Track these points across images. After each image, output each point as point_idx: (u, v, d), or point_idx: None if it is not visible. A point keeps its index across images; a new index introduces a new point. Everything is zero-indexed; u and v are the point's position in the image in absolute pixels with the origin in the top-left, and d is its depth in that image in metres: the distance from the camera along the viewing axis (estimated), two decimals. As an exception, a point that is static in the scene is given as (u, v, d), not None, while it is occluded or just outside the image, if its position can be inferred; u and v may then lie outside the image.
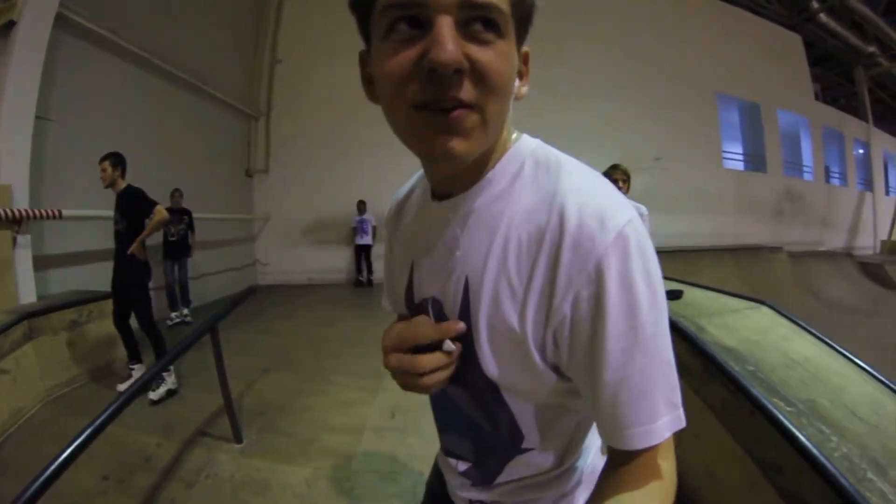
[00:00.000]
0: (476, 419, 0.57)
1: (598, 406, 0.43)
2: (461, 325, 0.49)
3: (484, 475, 0.61)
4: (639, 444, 0.42)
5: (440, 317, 0.52)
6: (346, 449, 2.36)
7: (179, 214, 4.90)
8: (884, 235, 12.64)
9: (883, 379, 1.64)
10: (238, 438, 2.44)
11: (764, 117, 10.17)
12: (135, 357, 3.07)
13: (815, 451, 1.13)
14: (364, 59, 0.49)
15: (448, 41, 0.35)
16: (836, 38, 11.85)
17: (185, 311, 5.03)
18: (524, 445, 0.55)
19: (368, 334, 4.41)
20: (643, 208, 2.69)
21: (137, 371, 3.01)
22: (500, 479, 0.59)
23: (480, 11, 0.37)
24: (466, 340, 0.49)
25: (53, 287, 3.61)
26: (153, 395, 2.86)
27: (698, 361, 1.74)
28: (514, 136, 0.51)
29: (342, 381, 3.19)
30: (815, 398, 1.47)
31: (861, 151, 13.67)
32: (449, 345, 0.49)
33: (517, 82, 0.45)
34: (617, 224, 0.40)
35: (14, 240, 3.14)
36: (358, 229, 7.26)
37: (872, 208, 13.15)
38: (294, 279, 7.57)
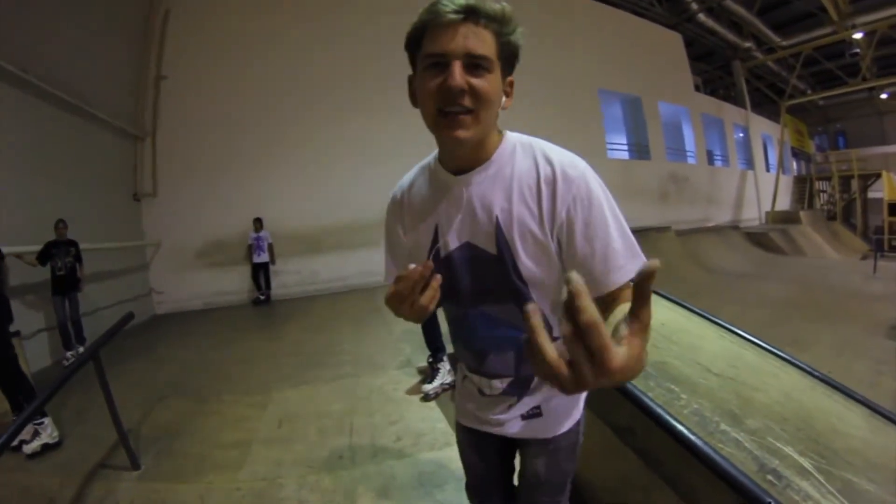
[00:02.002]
0: (516, 324, 0.81)
1: (594, 265, 0.71)
2: (430, 264, 0.65)
3: (522, 382, 0.88)
4: (626, 276, 0.70)
5: (475, 254, 0.80)
6: (235, 462, 2.44)
7: (66, 247, 4.54)
8: (767, 207, 14.40)
9: (740, 332, 1.75)
10: (135, 465, 2.45)
11: (646, 109, 11.23)
12: (18, 408, 2.75)
13: (659, 410, 1.22)
14: (411, 81, 0.77)
15: (457, 75, 0.67)
16: (715, 35, 13.42)
17: (81, 349, 4.63)
18: (555, 334, 0.79)
19: (262, 350, 4.49)
20: None
21: (44, 427, 2.72)
22: (535, 382, 0.87)
23: (477, 60, 0.67)
24: (506, 261, 0.77)
25: None
26: (27, 450, 2.63)
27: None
28: (504, 132, 0.81)
29: (233, 399, 3.21)
30: (666, 360, 1.54)
31: (741, 135, 15.52)
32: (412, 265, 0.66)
33: (504, 99, 0.75)
34: (581, 164, 0.75)
35: None
36: (254, 247, 7.00)
37: (755, 184, 14.96)
38: (191, 305, 7.13)
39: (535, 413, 0.89)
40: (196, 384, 3.65)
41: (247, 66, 7.22)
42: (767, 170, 16.30)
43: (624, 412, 1.48)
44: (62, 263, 4.48)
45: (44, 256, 4.37)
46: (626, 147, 11.66)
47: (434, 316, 3.05)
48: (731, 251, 9.24)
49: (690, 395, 1.35)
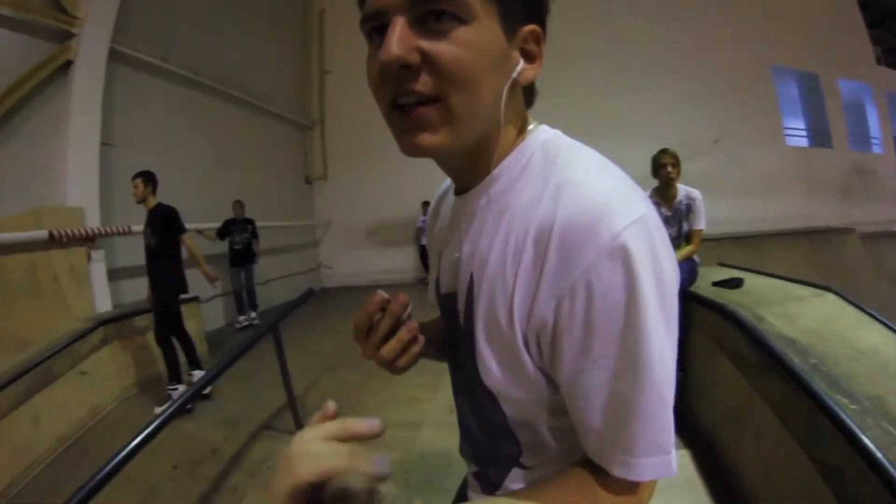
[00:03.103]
0: (476, 429, 0.56)
1: (580, 422, 0.42)
2: (382, 296, 0.50)
3: (485, 485, 0.59)
4: (616, 471, 0.40)
5: (454, 312, 0.52)
6: (404, 443, 2.43)
7: (243, 224, 5.21)
8: (976, 207, 11.20)
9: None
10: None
11: (824, 88, 9.36)
12: (176, 377, 3.11)
13: (879, 454, 1.03)
14: None
15: (391, 41, 0.37)
16: None
17: (253, 315, 5.36)
18: (522, 461, 0.53)
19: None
20: (697, 193, 2.59)
21: (177, 393, 3.02)
22: (500, 493, 0.57)
23: (429, 5, 0.37)
24: (470, 344, 0.48)
25: (127, 297, 3.95)
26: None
27: (756, 353, 1.63)
28: (531, 127, 0.48)
29: (404, 378, 3.22)
30: (883, 395, 1.33)
31: (936, 117, 12.23)
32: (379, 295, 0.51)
33: (521, 65, 0.43)
34: (614, 227, 0.35)
35: (89, 255, 3.47)
36: (423, 230, 7.28)
37: (958, 179, 11.71)
38: (359, 281, 7.73)
39: None
40: (364, 359, 3.80)
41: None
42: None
43: (833, 447, 1.24)
44: (239, 239, 5.13)
45: (222, 232, 5.04)
46: (804, 132, 9.76)
47: None
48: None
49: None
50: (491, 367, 0.46)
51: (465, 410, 0.58)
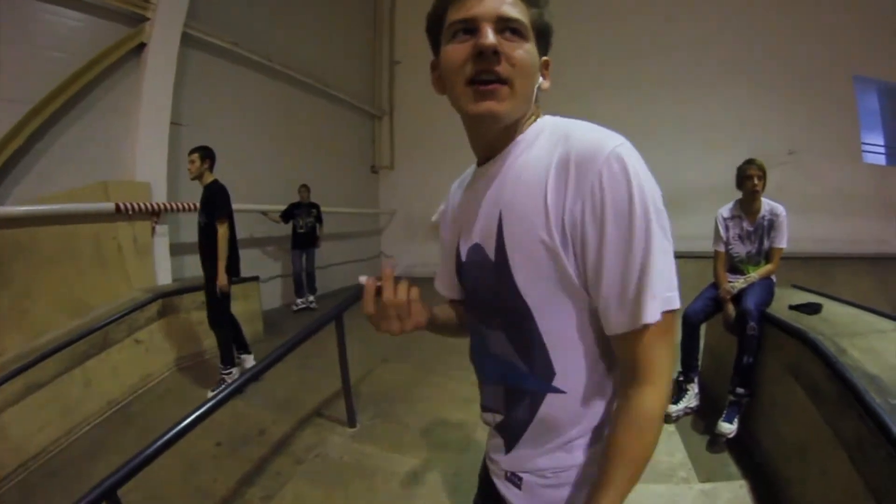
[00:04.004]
0: (509, 356, 0.64)
1: (604, 289, 0.52)
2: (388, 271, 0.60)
3: (514, 428, 0.66)
4: (639, 319, 0.51)
5: (481, 260, 0.64)
6: (457, 444, 2.29)
7: (307, 208, 5.25)
8: None
9: None
10: (352, 422, 2.48)
11: (908, 100, 7.58)
12: (229, 361, 3.05)
13: None
14: (435, 66, 0.65)
15: (488, 34, 0.54)
16: None
17: (311, 298, 5.40)
18: (555, 383, 0.60)
19: None
20: (781, 208, 2.48)
21: (231, 377, 2.98)
22: (527, 435, 0.65)
23: (510, 23, 0.56)
24: (505, 272, 0.59)
25: (188, 271, 4.12)
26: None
27: (835, 388, 1.55)
28: (540, 115, 0.65)
29: (460, 376, 2.99)
30: None
31: None
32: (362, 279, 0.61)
33: (540, 79, 0.62)
34: (607, 145, 0.52)
35: (153, 229, 3.64)
36: None
37: None
38: (420, 272, 7.57)
39: (513, 480, 0.68)
40: (420, 352, 3.58)
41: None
42: None
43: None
44: (303, 223, 5.16)
45: (287, 215, 5.10)
46: (883, 149, 7.96)
47: (696, 328, 2.50)
48: None
49: None
50: (528, 281, 0.58)
51: (495, 344, 0.66)
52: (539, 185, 0.56)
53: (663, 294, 0.51)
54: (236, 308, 3.31)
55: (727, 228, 2.53)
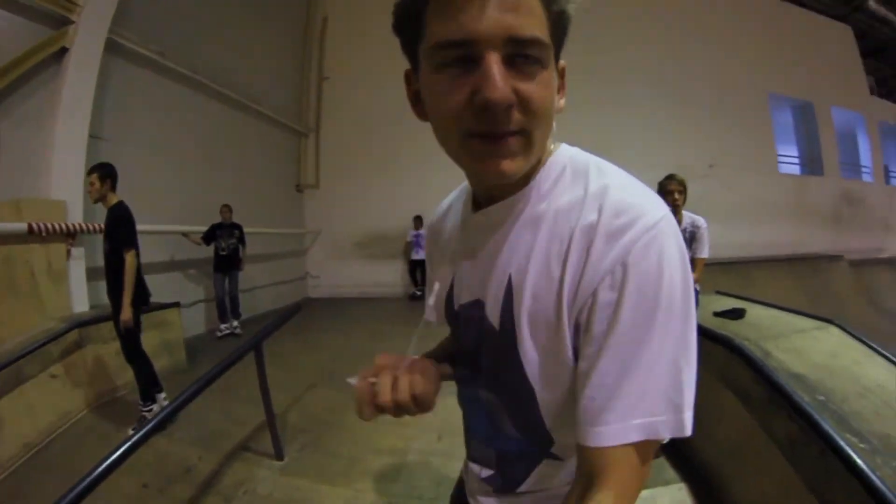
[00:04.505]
0: (506, 428, 0.60)
1: (592, 388, 0.44)
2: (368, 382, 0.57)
3: (507, 482, 0.63)
4: (633, 435, 0.43)
5: (481, 318, 0.56)
6: (389, 471, 2.30)
7: (230, 229, 5.02)
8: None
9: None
10: (279, 455, 2.42)
11: (818, 116, 9.54)
12: (148, 396, 2.85)
13: (890, 495, 1.03)
14: (410, 78, 0.53)
15: (498, 80, 0.39)
16: (889, 26, 11.02)
17: (235, 324, 5.14)
18: (554, 451, 0.58)
19: (423, 351, 4.42)
20: (702, 221, 2.60)
21: (151, 413, 2.77)
22: (524, 487, 0.61)
23: (524, 48, 0.41)
24: (509, 343, 0.52)
25: (105, 297, 3.75)
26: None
27: (763, 390, 1.61)
28: (554, 146, 0.54)
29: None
30: (890, 433, 1.33)
31: (927, 149, 12.52)
32: (351, 380, 0.57)
33: (559, 100, 0.49)
34: (649, 220, 0.44)
35: (68, 252, 3.32)
36: (414, 244, 7.17)
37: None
38: (345, 292, 7.58)
39: None
40: (348, 375, 3.63)
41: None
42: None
43: (840, 487, 1.23)
44: (226, 245, 4.93)
45: (208, 237, 4.85)
46: (797, 160, 9.98)
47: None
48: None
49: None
50: (534, 359, 0.51)
51: (490, 414, 0.61)
52: (559, 251, 0.47)
53: (674, 414, 0.43)
54: (154, 338, 3.17)
55: None
